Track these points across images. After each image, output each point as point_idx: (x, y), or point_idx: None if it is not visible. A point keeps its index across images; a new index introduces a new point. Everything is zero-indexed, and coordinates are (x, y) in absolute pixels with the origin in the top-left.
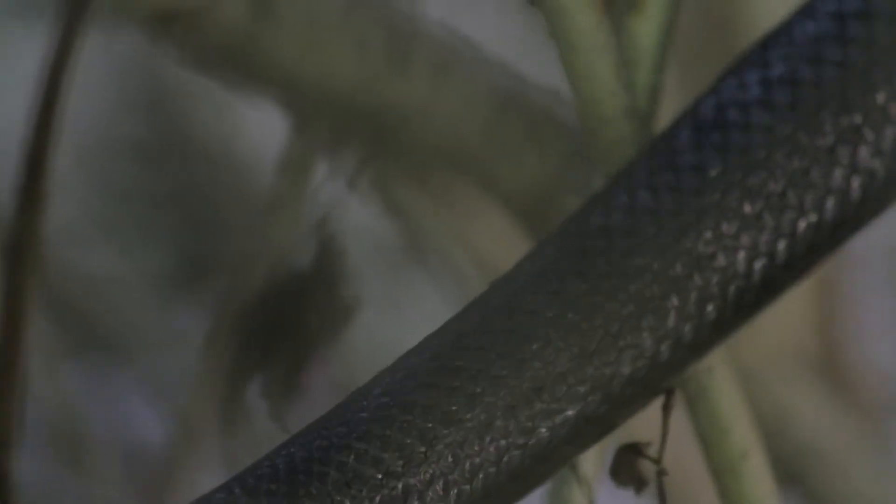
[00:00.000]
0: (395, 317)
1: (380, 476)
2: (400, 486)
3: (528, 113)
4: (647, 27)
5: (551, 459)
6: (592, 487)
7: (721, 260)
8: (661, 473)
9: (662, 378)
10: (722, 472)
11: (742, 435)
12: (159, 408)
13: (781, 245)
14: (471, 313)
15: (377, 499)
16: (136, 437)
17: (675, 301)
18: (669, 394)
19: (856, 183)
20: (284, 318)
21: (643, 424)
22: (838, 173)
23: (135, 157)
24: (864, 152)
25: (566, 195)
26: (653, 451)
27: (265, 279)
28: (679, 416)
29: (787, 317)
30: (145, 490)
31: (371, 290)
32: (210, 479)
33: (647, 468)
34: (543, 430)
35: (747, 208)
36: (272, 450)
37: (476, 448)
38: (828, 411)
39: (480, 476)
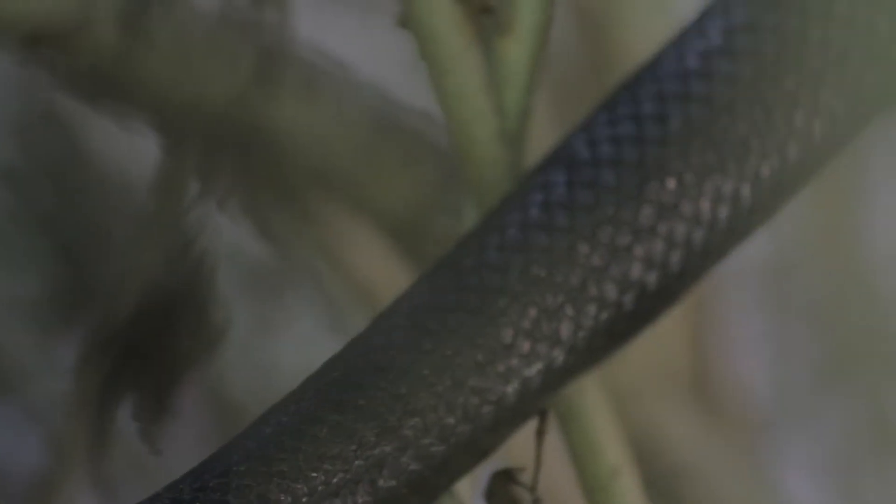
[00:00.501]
0: (268, 338)
1: None
2: None
3: (400, 134)
4: (516, 50)
5: (424, 490)
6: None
7: (593, 290)
8: (536, 502)
9: (535, 402)
10: (593, 491)
11: (613, 453)
12: (35, 434)
13: (652, 277)
14: (346, 356)
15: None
16: (10, 463)
17: (546, 329)
18: (543, 419)
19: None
20: (155, 340)
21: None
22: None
23: (7, 182)
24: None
25: (439, 216)
26: (527, 476)
27: (136, 301)
28: (552, 434)
29: (658, 335)
30: None
31: (243, 312)
32: (84, 502)
33: (522, 492)
34: (414, 465)
35: (620, 240)
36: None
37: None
38: (699, 430)
39: None
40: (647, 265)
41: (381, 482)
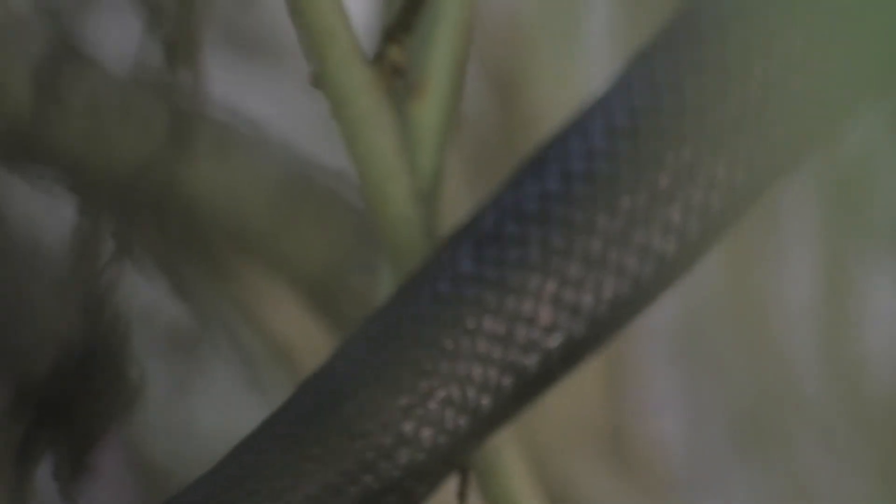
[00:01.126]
0: (185, 397)
1: None
2: None
3: (314, 193)
4: (428, 111)
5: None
6: None
7: (496, 351)
8: None
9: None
10: None
11: None
12: None
13: (532, 360)
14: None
15: None
16: None
17: (455, 393)
18: (464, 479)
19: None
20: (71, 399)
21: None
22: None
23: None
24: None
25: (354, 275)
26: None
27: (52, 360)
28: (472, 494)
29: (575, 391)
30: None
31: (160, 371)
32: None
33: None
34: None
35: (524, 310)
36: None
37: None
38: (615, 487)
39: None
40: (535, 345)
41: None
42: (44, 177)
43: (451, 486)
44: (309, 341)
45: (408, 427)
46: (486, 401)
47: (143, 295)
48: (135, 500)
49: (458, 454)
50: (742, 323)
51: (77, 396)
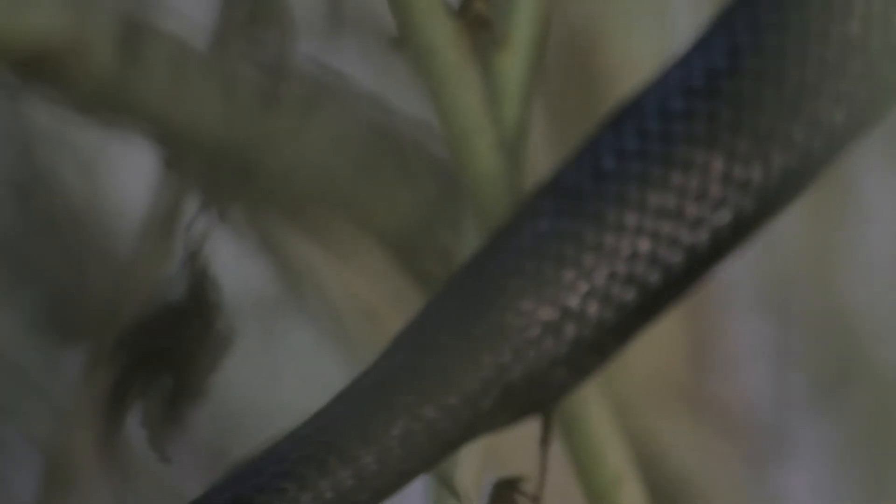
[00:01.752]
0: (269, 352)
1: None
2: None
3: (400, 147)
4: (512, 63)
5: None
6: None
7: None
8: None
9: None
10: (597, 499)
11: (616, 462)
12: (37, 452)
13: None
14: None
15: None
16: (11, 480)
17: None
18: (546, 428)
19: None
20: (161, 350)
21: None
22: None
23: (10, 192)
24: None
25: (439, 230)
26: (530, 485)
27: (140, 313)
28: (554, 444)
29: (657, 345)
30: None
31: (246, 327)
32: None
33: (525, 502)
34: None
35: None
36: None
37: None
38: (700, 440)
39: None
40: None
41: None
42: (127, 130)
43: (533, 434)
44: (391, 297)
45: (573, 302)
46: (654, 277)
47: (230, 249)
48: (218, 450)
49: (627, 330)
50: (828, 273)
51: (167, 348)
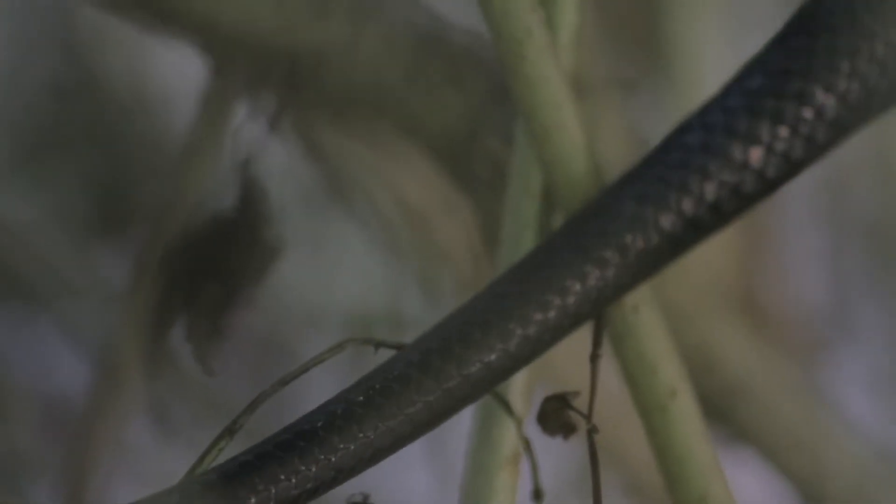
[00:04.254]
0: (318, 259)
1: None
2: None
3: (448, 53)
4: None
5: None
6: (523, 425)
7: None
8: (591, 431)
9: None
10: (650, 412)
11: (670, 374)
12: (79, 355)
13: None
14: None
15: None
16: (56, 384)
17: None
18: (597, 342)
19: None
20: (208, 261)
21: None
22: None
23: (49, 98)
24: None
25: (488, 135)
26: (581, 400)
27: (187, 222)
28: (605, 359)
29: (711, 254)
30: (68, 437)
31: (293, 233)
32: (134, 424)
33: (577, 417)
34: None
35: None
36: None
37: None
38: (754, 348)
39: None
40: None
41: None
42: (174, 35)
43: (584, 348)
44: (441, 201)
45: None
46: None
47: (277, 155)
48: (264, 361)
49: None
50: (886, 179)
51: (214, 258)
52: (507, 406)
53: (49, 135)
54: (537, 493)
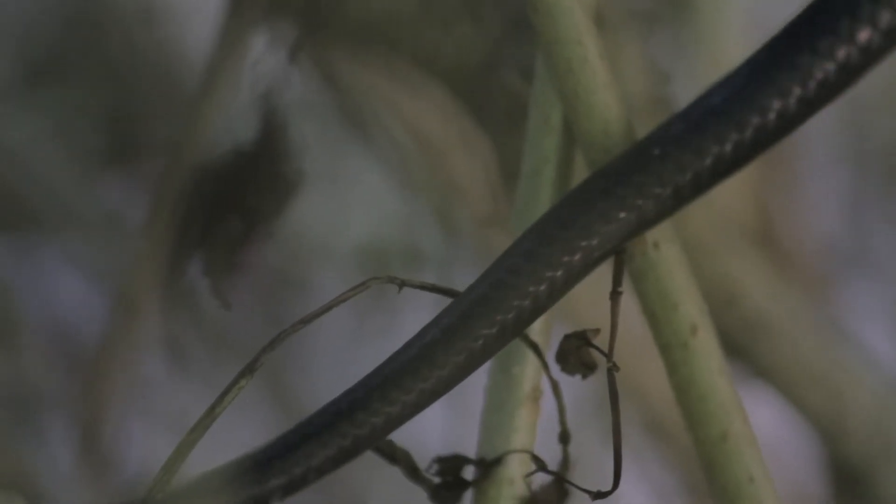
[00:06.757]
0: (334, 193)
1: None
2: None
3: None
4: None
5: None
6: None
7: None
8: (612, 369)
9: None
10: (671, 348)
11: (691, 310)
12: (88, 285)
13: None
14: None
15: None
16: (67, 316)
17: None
18: (617, 279)
19: None
20: (226, 195)
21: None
22: None
23: (62, 28)
24: None
25: (506, 69)
26: (600, 338)
27: (205, 155)
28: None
29: (730, 189)
30: (82, 369)
31: (311, 166)
32: (149, 358)
33: (596, 355)
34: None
35: None
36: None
37: None
38: (773, 283)
39: None
40: None
41: None
42: None
43: (604, 288)
44: (458, 135)
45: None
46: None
47: (296, 89)
48: (278, 296)
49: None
50: None
51: (233, 192)
52: (536, 348)
53: (56, 60)
54: (564, 436)
